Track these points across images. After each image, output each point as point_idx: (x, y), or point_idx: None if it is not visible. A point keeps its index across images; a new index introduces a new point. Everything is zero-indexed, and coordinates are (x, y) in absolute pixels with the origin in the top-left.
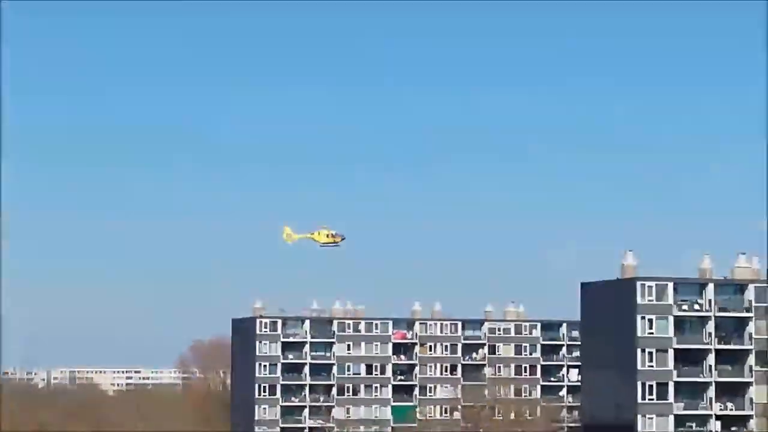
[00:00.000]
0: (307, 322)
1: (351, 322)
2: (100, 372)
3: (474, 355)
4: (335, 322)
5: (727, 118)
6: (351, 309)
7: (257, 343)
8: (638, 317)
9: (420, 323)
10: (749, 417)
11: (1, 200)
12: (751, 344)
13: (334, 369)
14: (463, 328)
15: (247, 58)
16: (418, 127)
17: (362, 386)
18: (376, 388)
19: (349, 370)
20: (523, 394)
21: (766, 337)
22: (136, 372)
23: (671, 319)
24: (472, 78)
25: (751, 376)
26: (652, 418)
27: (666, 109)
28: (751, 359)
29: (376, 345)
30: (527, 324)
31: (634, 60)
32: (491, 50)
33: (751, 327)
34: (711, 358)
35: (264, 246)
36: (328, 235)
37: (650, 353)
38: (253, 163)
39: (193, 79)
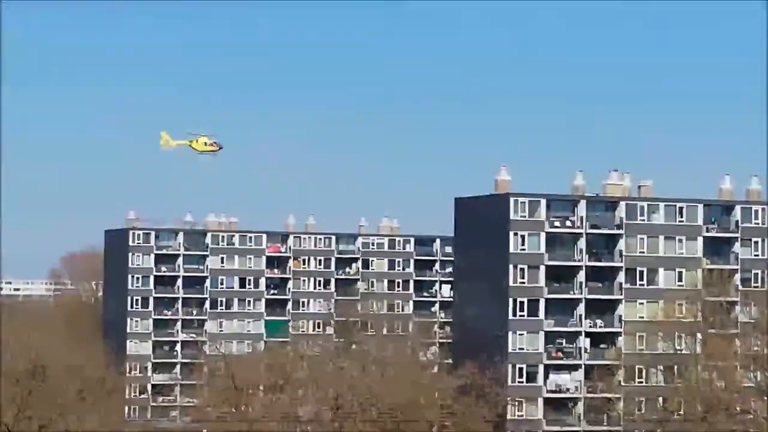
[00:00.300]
0: (181, 234)
1: (225, 234)
2: None
3: (347, 269)
4: (209, 235)
5: (598, 32)
6: (225, 222)
7: (130, 255)
8: (511, 233)
9: (294, 237)
10: (618, 334)
11: None
12: (621, 262)
13: (208, 282)
14: (337, 242)
15: None
16: (285, 46)
17: (235, 300)
18: (249, 302)
19: (222, 284)
20: (396, 310)
21: (635, 254)
22: (7, 283)
23: (543, 235)
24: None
25: (621, 294)
26: (522, 335)
27: (530, 20)
28: (621, 276)
29: (250, 258)
30: (401, 239)
31: None
32: None
33: (621, 244)
34: (581, 275)
35: (137, 156)
36: (206, 144)
37: (522, 269)
38: (127, 69)
39: None
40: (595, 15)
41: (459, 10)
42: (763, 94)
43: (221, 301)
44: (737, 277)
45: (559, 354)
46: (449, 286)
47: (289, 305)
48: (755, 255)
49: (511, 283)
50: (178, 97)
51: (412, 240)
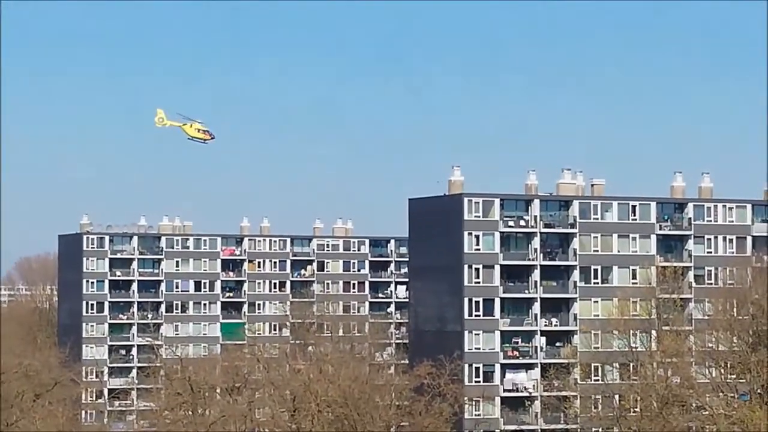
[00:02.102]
0: (135, 238)
1: (179, 238)
2: None
3: (303, 271)
4: (163, 239)
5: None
6: (179, 225)
7: (84, 259)
8: (465, 233)
9: (249, 239)
10: (573, 332)
11: None
12: (576, 260)
13: (163, 286)
14: (292, 244)
15: None
16: (246, 56)
17: (191, 303)
18: (204, 305)
19: (177, 287)
20: (352, 311)
21: (589, 253)
22: None
23: (497, 235)
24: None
25: (576, 292)
26: (478, 334)
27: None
28: (576, 275)
29: (205, 261)
30: (355, 240)
31: None
32: None
33: (575, 243)
34: (536, 274)
35: (91, 159)
36: (199, 130)
37: (477, 269)
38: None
39: None
40: (544, 12)
41: (411, 13)
42: (715, 90)
43: (177, 304)
44: (690, 274)
45: (515, 353)
46: (404, 286)
47: (245, 308)
48: (708, 252)
49: (465, 283)
50: (132, 91)
51: (367, 241)
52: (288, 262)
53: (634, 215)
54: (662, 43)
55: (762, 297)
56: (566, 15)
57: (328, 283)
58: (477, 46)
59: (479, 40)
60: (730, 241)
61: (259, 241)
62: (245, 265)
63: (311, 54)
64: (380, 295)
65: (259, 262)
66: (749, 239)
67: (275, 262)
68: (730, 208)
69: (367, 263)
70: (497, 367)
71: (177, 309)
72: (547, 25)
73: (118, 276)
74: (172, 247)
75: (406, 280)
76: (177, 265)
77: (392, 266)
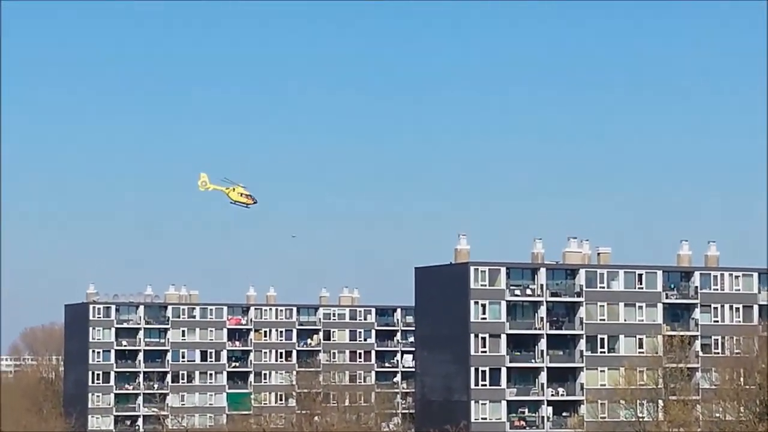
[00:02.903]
0: (141, 307)
1: (185, 307)
2: None
3: (309, 340)
4: (169, 308)
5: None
6: (185, 294)
7: (90, 329)
8: (471, 302)
9: (255, 308)
10: (580, 402)
11: None
12: (582, 329)
13: (169, 355)
14: (298, 314)
15: None
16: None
17: (197, 373)
18: (210, 374)
19: (183, 357)
20: (358, 381)
21: (596, 321)
22: None
23: (504, 303)
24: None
25: (582, 361)
26: (485, 404)
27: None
28: (582, 344)
29: (211, 331)
30: (362, 309)
31: None
32: None
33: (582, 312)
34: (543, 343)
35: (95, 230)
36: (242, 195)
37: (483, 338)
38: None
39: None
40: (549, 79)
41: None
42: (721, 158)
43: (183, 374)
44: (697, 343)
45: (522, 423)
46: (411, 355)
47: (251, 377)
48: (715, 321)
49: (472, 352)
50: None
51: (373, 310)
52: (294, 332)
53: (641, 284)
54: (666, 110)
55: None
56: (575, 79)
57: (334, 353)
58: (481, 112)
59: (484, 107)
60: (737, 310)
61: (266, 310)
62: (251, 334)
63: (311, 127)
64: (387, 364)
65: (265, 332)
66: (756, 308)
67: (281, 332)
68: (737, 277)
69: (373, 332)
70: None
71: (183, 379)
72: (552, 91)
73: (124, 346)
74: (179, 317)
75: (413, 349)
76: (183, 335)
77: (399, 335)
